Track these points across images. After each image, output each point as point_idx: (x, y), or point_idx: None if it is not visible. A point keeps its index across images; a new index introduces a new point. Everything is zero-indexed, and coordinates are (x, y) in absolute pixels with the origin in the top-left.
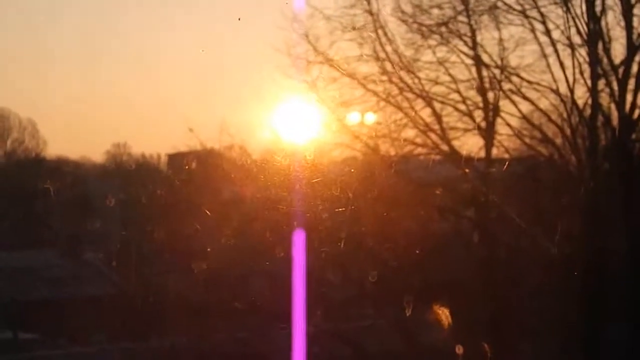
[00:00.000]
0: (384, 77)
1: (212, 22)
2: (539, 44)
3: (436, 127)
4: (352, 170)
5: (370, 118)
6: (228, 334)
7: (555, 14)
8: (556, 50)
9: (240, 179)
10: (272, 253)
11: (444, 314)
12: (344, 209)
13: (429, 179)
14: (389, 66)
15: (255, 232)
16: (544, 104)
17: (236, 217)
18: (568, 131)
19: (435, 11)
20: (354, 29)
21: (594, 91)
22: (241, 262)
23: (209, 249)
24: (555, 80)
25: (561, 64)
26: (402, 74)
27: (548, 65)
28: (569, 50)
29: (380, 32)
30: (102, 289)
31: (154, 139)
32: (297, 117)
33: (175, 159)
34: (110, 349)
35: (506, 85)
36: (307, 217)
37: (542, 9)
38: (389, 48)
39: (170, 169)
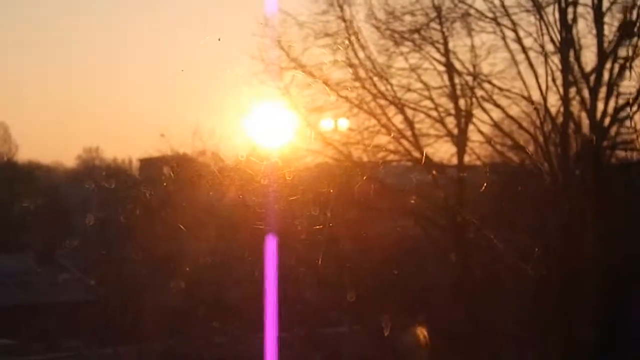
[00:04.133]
0: (357, 84)
1: (185, 27)
2: (510, 51)
3: (408, 133)
4: (325, 176)
5: (343, 124)
6: (205, 340)
7: (526, 21)
8: (528, 58)
9: (213, 185)
10: (247, 259)
11: (421, 333)
12: (317, 214)
13: (401, 185)
14: (362, 72)
15: (229, 238)
16: (515, 111)
17: (210, 223)
18: (540, 138)
19: (408, 18)
20: (327, 35)
21: (565, 99)
22: (217, 268)
23: (185, 256)
24: (526, 88)
25: (534, 72)
26: (375, 80)
27: (519, 73)
28: (541, 58)
29: (353, 38)
30: (77, 295)
31: (126, 143)
32: (270, 122)
33: (147, 164)
34: (86, 355)
35: (478, 92)
36: (280, 223)
37: (514, 17)
38: (362, 54)
39: (142, 174)
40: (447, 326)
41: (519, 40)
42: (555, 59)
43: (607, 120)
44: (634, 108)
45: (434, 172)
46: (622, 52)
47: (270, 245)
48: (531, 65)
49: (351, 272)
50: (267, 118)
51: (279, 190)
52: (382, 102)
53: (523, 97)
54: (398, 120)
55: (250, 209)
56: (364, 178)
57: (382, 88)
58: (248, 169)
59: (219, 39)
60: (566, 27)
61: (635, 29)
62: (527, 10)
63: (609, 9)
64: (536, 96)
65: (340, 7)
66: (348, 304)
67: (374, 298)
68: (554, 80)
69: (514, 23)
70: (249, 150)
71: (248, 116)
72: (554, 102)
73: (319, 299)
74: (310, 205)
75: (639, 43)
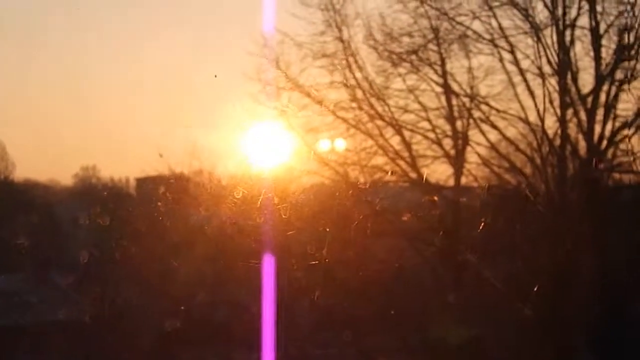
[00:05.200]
0: (354, 105)
1: (183, 46)
2: (507, 73)
3: (405, 154)
4: (321, 197)
5: (340, 145)
6: None
7: (524, 43)
8: (525, 80)
9: (209, 204)
10: (242, 279)
11: None
12: (312, 235)
13: (398, 206)
14: (359, 93)
15: (224, 259)
16: (512, 132)
17: (205, 243)
18: (537, 160)
19: (406, 39)
20: (324, 55)
21: (563, 121)
22: (211, 289)
23: (179, 276)
24: (523, 109)
25: (531, 93)
26: (373, 101)
27: (516, 95)
28: (538, 80)
29: (350, 59)
30: (70, 314)
31: (123, 162)
32: (267, 143)
33: (144, 183)
34: None
35: (476, 114)
36: (275, 243)
37: (511, 39)
38: (359, 75)
39: (138, 193)
40: (442, 350)
41: (516, 62)
42: (553, 81)
43: (604, 143)
44: (631, 130)
45: (430, 193)
46: (619, 74)
47: (268, 266)
48: (528, 87)
49: (345, 293)
50: (263, 138)
51: (275, 211)
52: (380, 123)
53: (520, 118)
54: (395, 141)
55: (246, 229)
56: (361, 199)
57: (380, 109)
58: (244, 190)
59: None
60: (564, 49)
61: (632, 52)
62: (525, 32)
63: (606, 31)
64: (533, 118)
65: (339, 28)
66: (341, 325)
67: (368, 320)
68: (551, 102)
69: (511, 45)
70: (245, 170)
71: (244, 136)
72: (551, 124)
73: (312, 320)
74: (305, 226)
75: (637, 66)
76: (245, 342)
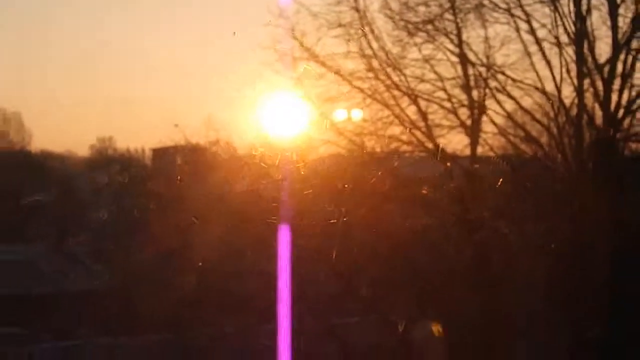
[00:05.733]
0: (370, 74)
1: (198, 18)
2: (523, 42)
3: (421, 124)
4: (338, 166)
5: (356, 115)
6: (216, 329)
7: (540, 12)
8: (541, 49)
9: (226, 175)
10: (261, 249)
11: (435, 325)
12: (330, 205)
13: (414, 175)
14: (375, 63)
15: (242, 229)
16: (528, 102)
17: (222, 214)
18: (554, 130)
19: (422, 9)
20: (340, 25)
21: (580, 90)
22: (230, 258)
23: (197, 247)
24: (540, 79)
25: (548, 63)
26: (389, 71)
27: (532, 64)
28: (555, 49)
29: (367, 29)
30: (89, 284)
31: (139, 133)
32: (283, 113)
33: (160, 153)
34: (95, 344)
35: (492, 84)
36: (294, 214)
37: (527, 8)
38: (375, 45)
39: (155, 163)
40: (461, 318)
41: (532, 31)
42: (569, 50)
43: (621, 112)
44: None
45: (447, 163)
46: (636, 44)
47: (284, 237)
48: (545, 56)
49: (365, 263)
50: (280, 108)
51: (293, 181)
52: (396, 92)
53: (536, 88)
54: (411, 111)
55: (264, 200)
56: (377, 168)
57: (396, 79)
58: (261, 160)
59: (235, 33)
60: (581, 18)
61: None
62: (542, 1)
63: (623, 0)
64: (550, 87)
65: None
66: (362, 294)
67: (388, 289)
68: (568, 71)
69: (527, 14)
70: (262, 140)
71: (261, 106)
72: (567, 93)
73: (332, 290)
74: (323, 196)
75: None
76: (264, 311)
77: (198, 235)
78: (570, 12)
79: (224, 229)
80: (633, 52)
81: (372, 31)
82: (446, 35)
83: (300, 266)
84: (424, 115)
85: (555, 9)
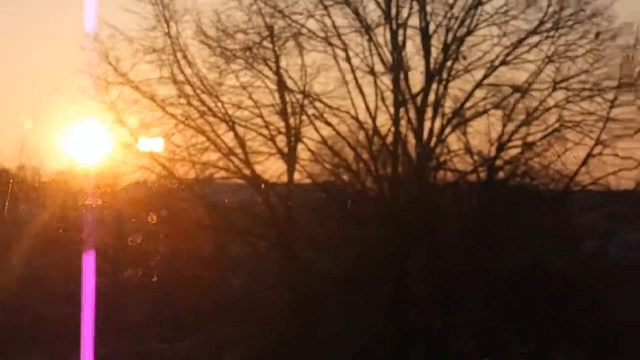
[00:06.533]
0: (183, 100)
1: (14, 39)
2: (341, 70)
3: (239, 151)
4: (148, 192)
5: (169, 141)
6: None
7: (356, 42)
8: (355, 78)
9: (30, 200)
10: (66, 274)
11: None
12: (138, 231)
13: (232, 202)
14: (188, 89)
15: (46, 253)
16: (345, 130)
17: (26, 238)
18: (368, 158)
19: (240, 36)
20: (155, 51)
21: (396, 119)
22: (33, 284)
23: None
24: (354, 107)
25: (361, 91)
26: (204, 97)
27: (349, 92)
28: (370, 78)
29: (179, 55)
30: None
31: None
32: (96, 138)
33: None
34: None
35: (309, 111)
36: (99, 239)
37: (344, 37)
38: (188, 71)
39: None
40: (276, 342)
41: (348, 59)
42: (385, 79)
43: (433, 141)
44: (448, 129)
45: (263, 190)
46: (445, 74)
47: (88, 262)
48: (359, 85)
49: (172, 288)
50: (93, 133)
51: (100, 207)
52: (212, 119)
53: (352, 116)
54: (229, 137)
55: (69, 224)
56: (189, 195)
57: (212, 105)
58: (69, 185)
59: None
60: (397, 48)
61: (452, 52)
62: (357, 31)
63: (435, 31)
64: (365, 116)
65: (167, 23)
66: (169, 320)
67: (198, 314)
68: (383, 99)
69: (344, 43)
70: (72, 165)
71: (73, 131)
72: (383, 121)
73: (141, 316)
74: (131, 221)
75: (455, 65)
76: (69, 339)
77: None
78: (386, 42)
79: (27, 254)
80: (444, 82)
81: (185, 57)
82: (265, 62)
83: (107, 292)
84: (241, 142)
85: (371, 39)
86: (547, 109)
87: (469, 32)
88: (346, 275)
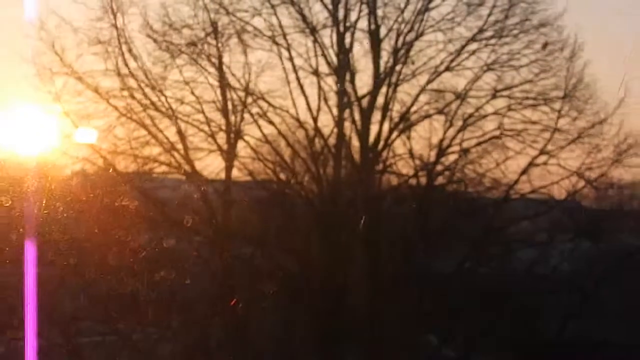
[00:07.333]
0: (126, 93)
1: None
2: (285, 70)
3: (180, 146)
4: (88, 184)
5: (111, 133)
6: None
7: (301, 42)
8: (298, 78)
9: None
10: (3, 263)
11: None
12: (76, 223)
13: (170, 197)
14: (132, 82)
15: None
16: (286, 129)
17: None
18: (307, 157)
19: (186, 31)
20: (100, 42)
21: (339, 121)
22: None
23: None
24: (295, 106)
25: (303, 91)
26: (147, 91)
27: (290, 92)
28: (313, 79)
29: (124, 47)
30: None
31: None
32: (37, 128)
33: None
34: None
35: (252, 109)
36: (38, 228)
37: (289, 37)
38: (133, 64)
39: None
40: (205, 339)
41: (291, 59)
42: (330, 81)
43: (380, 144)
44: (394, 134)
45: (202, 186)
46: (395, 77)
47: (29, 251)
48: (301, 85)
49: (107, 281)
50: (34, 123)
51: (39, 196)
52: (154, 113)
53: (292, 116)
54: (171, 132)
55: (7, 216)
56: (127, 188)
57: (155, 99)
58: (8, 175)
59: None
60: (343, 51)
61: (403, 56)
62: (302, 32)
63: (386, 35)
64: (307, 116)
65: (114, 14)
66: (104, 313)
67: (129, 309)
68: (326, 101)
69: (288, 43)
70: (11, 156)
71: (14, 121)
72: (326, 122)
73: (76, 308)
74: (70, 213)
75: (403, 70)
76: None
77: None
78: (333, 44)
79: None
80: (393, 85)
81: (131, 50)
82: (208, 58)
83: (46, 282)
84: (183, 137)
85: (316, 40)
86: (484, 116)
87: (418, 37)
88: (284, 275)
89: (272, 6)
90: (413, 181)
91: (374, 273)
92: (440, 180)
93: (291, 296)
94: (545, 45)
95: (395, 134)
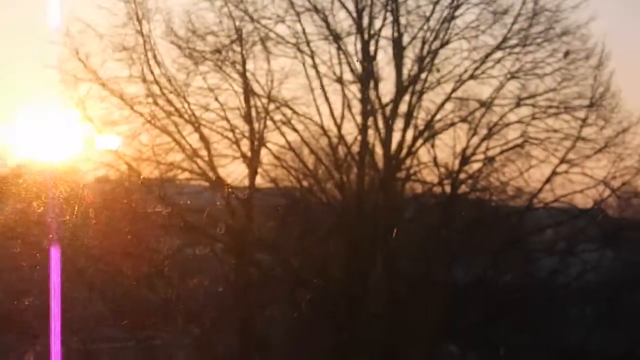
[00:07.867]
0: (150, 100)
1: None
2: (308, 77)
3: (204, 153)
4: (111, 190)
5: (135, 139)
6: None
7: (325, 49)
8: (322, 86)
9: None
10: (29, 269)
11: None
12: (100, 227)
13: (195, 204)
14: (156, 89)
15: (8, 248)
16: (310, 137)
17: None
18: (332, 166)
19: (211, 38)
20: (125, 49)
21: (363, 128)
22: None
23: None
24: (319, 114)
25: (327, 100)
26: (171, 97)
27: (314, 99)
28: (337, 86)
29: (149, 54)
30: None
31: None
32: (63, 134)
33: None
34: None
35: (275, 116)
36: (62, 234)
37: (313, 45)
38: (157, 71)
39: None
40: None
41: (315, 67)
42: (353, 88)
43: (403, 152)
44: (419, 142)
45: (225, 193)
46: (419, 85)
47: (54, 257)
48: (325, 93)
49: (129, 287)
50: (58, 129)
51: (63, 202)
52: (178, 119)
53: (316, 123)
54: (194, 139)
55: (32, 220)
56: (151, 194)
57: (179, 105)
58: (30, 181)
59: None
60: (368, 58)
61: (427, 64)
62: (326, 39)
63: (409, 43)
64: (331, 124)
65: (139, 21)
66: (124, 320)
67: (150, 314)
68: (350, 109)
69: (312, 51)
70: (36, 161)
71: (39, 127)
72: (350, 130)
73: (96, 314)
74: (94, 219)
75: (429, 77)
76: (33, 334)
77: None
78: (357, 52)
79: None
80: (417, 94)
81: (155, 57)
82: (232, 65)
83: (68, 288)
84: (206, 144)
85: (340, 48)
86: (508, 125)
87: (443, 45)
88: (302, 283)
89: (297, 13)
90: (436, 189)
91: (394, 282)
92: (463, 188)
93: (308, 304)
94: (566, 54)
95: (419, 142)
